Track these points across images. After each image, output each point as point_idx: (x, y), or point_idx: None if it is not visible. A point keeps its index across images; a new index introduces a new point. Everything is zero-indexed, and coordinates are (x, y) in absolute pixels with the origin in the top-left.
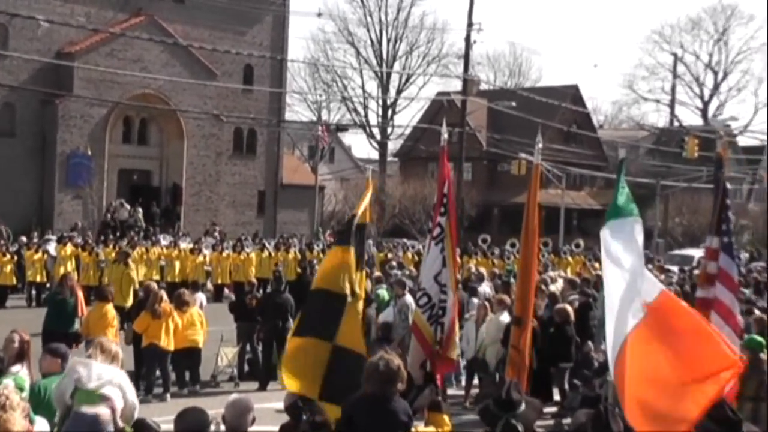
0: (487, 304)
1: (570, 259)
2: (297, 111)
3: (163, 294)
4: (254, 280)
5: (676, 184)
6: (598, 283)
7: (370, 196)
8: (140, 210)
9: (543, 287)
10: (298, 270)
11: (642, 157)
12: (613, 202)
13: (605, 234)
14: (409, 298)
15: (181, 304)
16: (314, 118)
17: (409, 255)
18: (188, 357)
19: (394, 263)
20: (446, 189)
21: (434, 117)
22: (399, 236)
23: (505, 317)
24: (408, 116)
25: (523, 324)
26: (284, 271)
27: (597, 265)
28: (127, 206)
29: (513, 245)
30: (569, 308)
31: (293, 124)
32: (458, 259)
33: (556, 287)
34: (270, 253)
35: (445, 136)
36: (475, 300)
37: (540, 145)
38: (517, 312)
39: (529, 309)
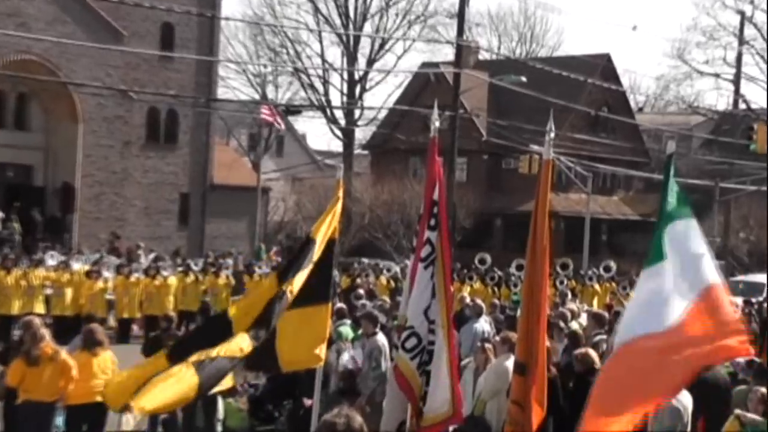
0: (488, 346)
1: (597, 286)
2: (234, 87)
3: (45, 333)
4: (173, 314)
5: (740, 187)
6: None
7: (339, 205)
8: (16, 218)
9: (561, 324)
10: (233, 300)
11: (695, 151)
12: (662, 206)
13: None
14: (381, 339)
15: (92, 344)
16: (257, 97)
17: (383, 280)
18: (89, 415)
19: (361, 291)
20: (437, 194)
21: (418, 96)
22: (369, 255)
23: (510, 362)
24: (382, 95)
25: (527, 372)
26: (213, 301)
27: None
28: None
29: (520, 267)
30: (594, 353)
31: (228, 105)
32: (451, 288)
33: (579, 324)
34: (196, 278)
35: (437, 123)
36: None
37: (552, 134)
38: (519, 356)
39: (538, 353)
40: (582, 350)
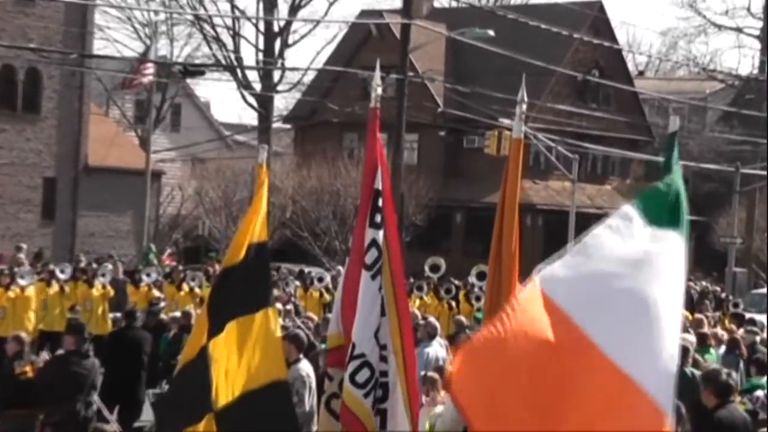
0: (435, 376)
1: None
2: (115, 40)
3: None
4: (24, 335)
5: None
6: None
7: (264, 201)
8: None
9: None
10: (111, 319)
11: (711, 127)
12: (650, 194)
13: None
14: (305, 367)
15: None
16: (145, 53)
17: (310, 291)
18: None
19: (280, 306)
20: (380, 181)
21: (355, 54)
22: (292, 260)
23: None
24: (309, 53)
25: None
26: (86, 319)
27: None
28: None
29: (482, 276)
30: None
31: (108, 63)
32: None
33: None
34: (62, 289)
35: (379, 89)
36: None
37: (525, 106)
38: None
39: None
40: None
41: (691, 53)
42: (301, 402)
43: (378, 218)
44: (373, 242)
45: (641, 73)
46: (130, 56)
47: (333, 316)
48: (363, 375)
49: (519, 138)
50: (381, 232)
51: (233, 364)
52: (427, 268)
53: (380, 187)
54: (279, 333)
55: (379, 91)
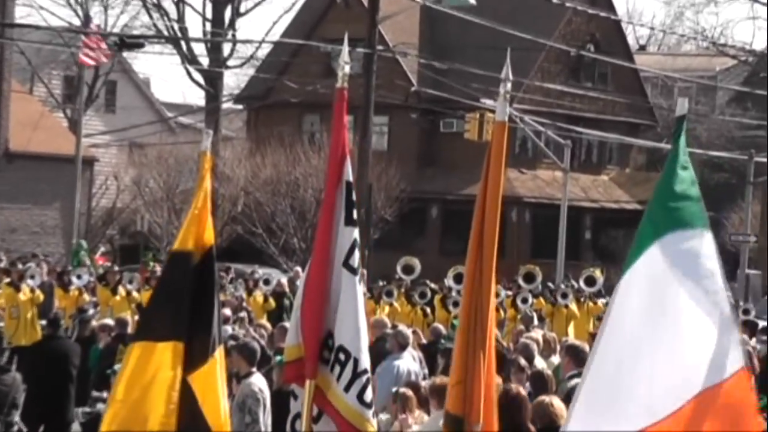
0: (408, 392)
1: (574, 306)
2: (40, 7)
3: None
4: None
5: None
6: None
7: (208, 190)
8: None
9: (522, 362)
10: (41, 326)
11: (721, 109)
12: (658, 195)
13: (653, 257)
14: (258, 382)
15: None
16: (76, 23)
17: (258, 296)
18: None
19: (229, 312)
20: (350, 172)
21: (317, 25)
22: (243, 259)
23: None
24: (264, 23)
25: (465, 428)
26: (10, 328)
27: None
28: None
29: (460, 278)
30: (561, 405)
31: (32, 33)
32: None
33: (549, 363)
34: None
35: (347, 67)
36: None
37: (509, 85)
38: (452, 406)
39: (482, 403)
40: (544, 398)
41: (699, 25)
42: (255, 422)
43: (355, 214)
44: (355, 242)
45: (642, 48)
46: (59, 26)
47: (292, 325)
48: (370, 394)
49: (503, 121)
50: (357, 230)
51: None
52: (399, 270)
53: (351, 179)
54: (178, 375)
55: (347, 69)
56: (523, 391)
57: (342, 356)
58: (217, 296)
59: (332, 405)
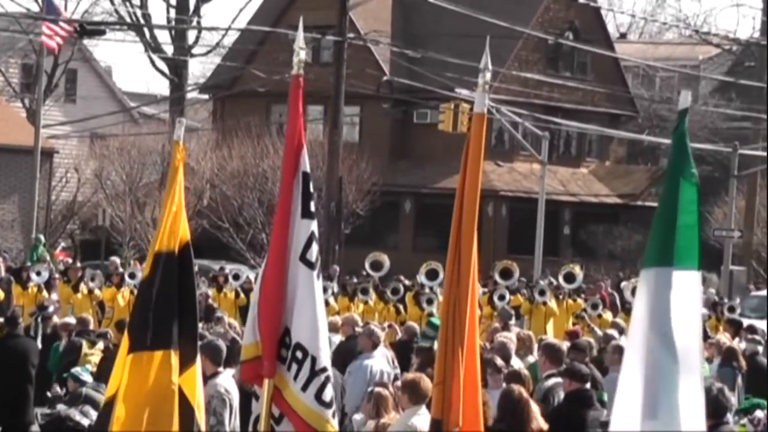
0: (384, 394)
1: (553, 303)
2: None
3: None
4: None
5: None
6: (613, 354)
7: (181, 186)
8: None
9: (498, 362)
10: None
11: (704, 99)
12: (661, 215)
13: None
14: (225, 382)
15: None
16: (35, 9)
17: (230, 292)
18: None
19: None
20: (306, 162)
21: (285, 11)
22: (209, 255)
23: (420, 419)
24: (231, 9)
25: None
26: None
27: (607, 316)
28: None
29: (433, 275)
30: (536, 408)
31: None
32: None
33: (525, 364)
34: None
35: (302, 53)
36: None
37: (488, 75)
38: (434, 411)
39: (461, 405)
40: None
41: (682, 13)
42: (220, 423)
43: (312, 206)
44: (313, 235)
45: (623, 36)
46: (16, 12)
47: (249, 322)
48: (329, 392)
49: (482, 113)
50: (315, 223)
51: (126, 412)
52: (367, 266)
53: (308, 170)
54: (175, 382)
55: (303, 54)
56: (525, 393)
57: (299, 354)
58: (196, 296)
59: (289, 405)
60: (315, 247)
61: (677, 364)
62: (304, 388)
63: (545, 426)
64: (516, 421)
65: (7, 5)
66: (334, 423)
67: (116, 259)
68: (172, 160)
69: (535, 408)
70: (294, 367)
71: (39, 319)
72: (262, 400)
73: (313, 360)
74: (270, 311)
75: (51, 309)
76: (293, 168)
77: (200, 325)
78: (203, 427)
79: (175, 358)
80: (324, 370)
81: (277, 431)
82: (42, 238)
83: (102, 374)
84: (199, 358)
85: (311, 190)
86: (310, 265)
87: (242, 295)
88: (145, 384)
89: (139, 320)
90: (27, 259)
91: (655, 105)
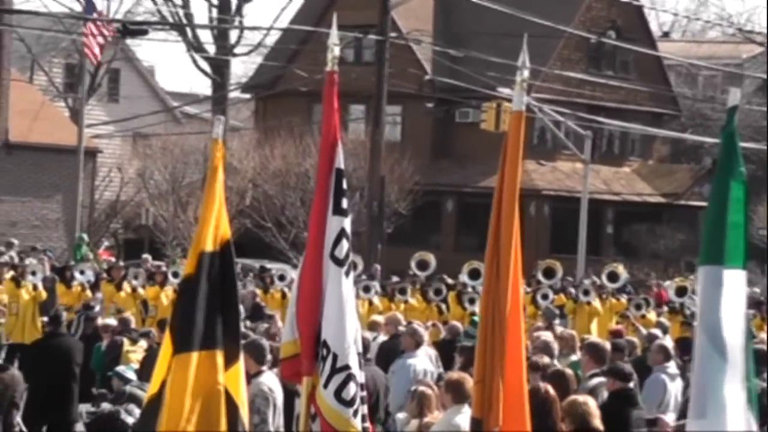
0: (428, 392)
1: (597, 303)
2: None
3: None
4: None
5: None
6: (657, 354)
7: (221, 183)
8: None
9: (544, 361)
10: (41, 323)
11: (748, 98)
12: (710, 213)
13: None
14: (269, 380)
15: None
16: (78, 8)
17: (276, 293)
18: None
19: (241, 308)
20: (341, 159)
21: (326, 11)
22: (251, 254)
23: (462, 418)
24: (272, 9)
25: (484, 431)
26: (9, 327)
27: (650, 315)
28: None
29: (475, 274)
30: (593, 403)
31: (32, 20)
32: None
33: (566, 363)
34: None
35: (336, 50)
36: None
37: (526, 73)
38: (474, 410)
39: (503, 404)
40: (577, 398)
41: (725, 11)
42: (263, 422)
43: (345, 203)
44: (343, 232)
45: (666, 35)
46: (60, 12)
47: (287, 320)
48: (350, 391)
49: (520, 111)
50: (348, 220)
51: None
52: (413, 266)
53: (342, 167)
54: (221, 382)
55: (337, 51)
56: (552, 391)
57: (324, 351)
58: (238, 293)
59: (317, 403)
60: (345, 244)
61: (725, 363)
62: (325, 385)
63: (601, 426)
64: (541, 420)
65: (50, 5)
66: (356, 423)
67: (148, 257)
68: (212, 158)
69: (593, 406)
70: (321, 364)
71: (82, 318)
72: (302, 398)
73: (335, 357)
74: (307, 309)
75: (96, 309)
76: (328, 164)
77: (246, 323)
78: (248, 427)
79: (220, 358)
80: (346, 368)
81: (313, 430)
82: (86, 237)
83: (145, 373)
84: (242, 356)
85: (344, 186)
86: (339, 262)
87: (288, 295)
88: (192, 385)
89: (183, 320)
90: (71, 259)
91: (699, 104)
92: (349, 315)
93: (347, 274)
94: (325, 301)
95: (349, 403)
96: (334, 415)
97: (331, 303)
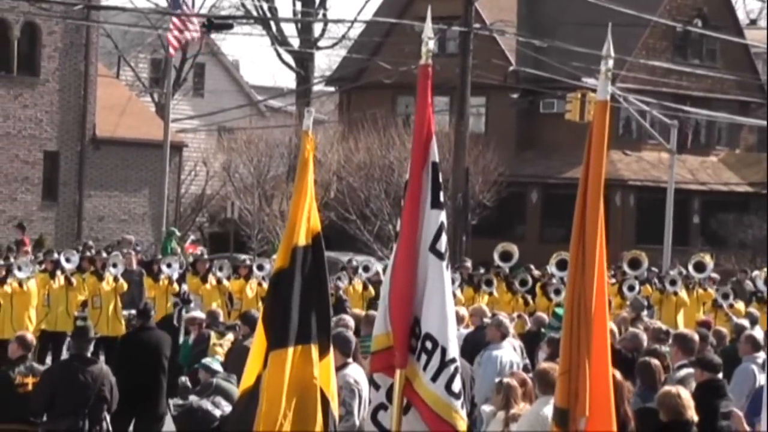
0: (514, 384)
1: (684, 294)
2: None
3: None
4: (31, 339)
5: None
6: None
7: (311, 175)
8: None
9: (625, 353)
10: (128, 316)
11: None
12: None
13: None
14: (354, 372)
15: None
16: (163, 4)
17: (357, 284)
18: None
19: None
20: (435, 152)
21: (409, 3)
22: (337, 247)
23: (550, 409)
24: (356, 2)
25: (570, 424)
26: (95, 317)
27: (739, 306)
28: None
29: (563, 265)
30: (686, 394)
31: (119, 16)
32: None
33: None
34: (68, 281)
35: (430, 43)
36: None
37: (611, 62)
38: (558, 400)
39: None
40: (671, 390)
41: None
42: (349, 414)
43: (442, 196)
44: (442, 226)
45: (753, 22)
46: (145, 8)
47: (380, 313)
48: (458, 383)
49: (605, 100)
50: (444, 213)
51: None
52: (496, 257)
53: (437, 160)
54: (315, 376)
55: (431, 44)
56: (618, 374)
57: (429, 344)
58: (328, 286)
59: (419, 396)
60: (444, 238)
61: None
62: (434, 378)
63: (695, 418)
64: None
65: (136, 1)
66: (463, 414)
67: (242, 256)
68: (302, 151)
69: (687, 397)
70: (424, 357)
71: (183, 311)
72: (394, 390)
73: (443, 350)
74: (401, 302)
75: (193, 305)
76: (422, 158)
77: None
78: (337, 419)
79: (315, 352)
80: (453, 360)
81: (403, 421)
82: (175, 230)
83: (230, 365)
84: (332, 349)
85: (440, 180)
86: (440, 256)
87: (370, 287)
88: (289, 381)
89: (278, 314)
90: (158, 252)
91: None
92: (451, 309)
93: (448, 267)
94: (427, 294)
95: (458, 395)
96: (444, 407)
97: (436, 296)
